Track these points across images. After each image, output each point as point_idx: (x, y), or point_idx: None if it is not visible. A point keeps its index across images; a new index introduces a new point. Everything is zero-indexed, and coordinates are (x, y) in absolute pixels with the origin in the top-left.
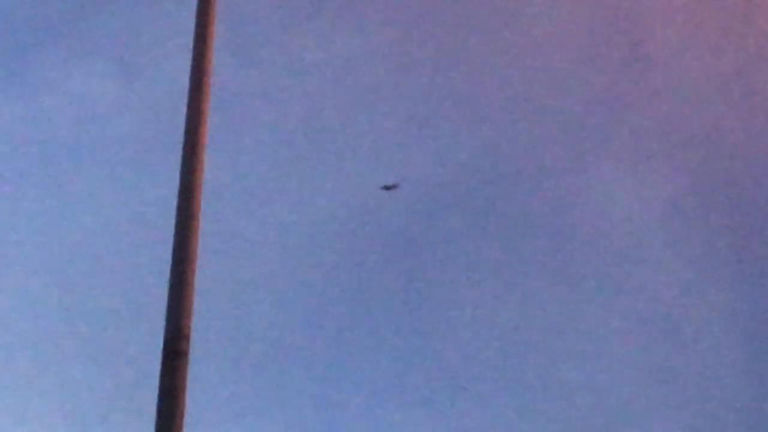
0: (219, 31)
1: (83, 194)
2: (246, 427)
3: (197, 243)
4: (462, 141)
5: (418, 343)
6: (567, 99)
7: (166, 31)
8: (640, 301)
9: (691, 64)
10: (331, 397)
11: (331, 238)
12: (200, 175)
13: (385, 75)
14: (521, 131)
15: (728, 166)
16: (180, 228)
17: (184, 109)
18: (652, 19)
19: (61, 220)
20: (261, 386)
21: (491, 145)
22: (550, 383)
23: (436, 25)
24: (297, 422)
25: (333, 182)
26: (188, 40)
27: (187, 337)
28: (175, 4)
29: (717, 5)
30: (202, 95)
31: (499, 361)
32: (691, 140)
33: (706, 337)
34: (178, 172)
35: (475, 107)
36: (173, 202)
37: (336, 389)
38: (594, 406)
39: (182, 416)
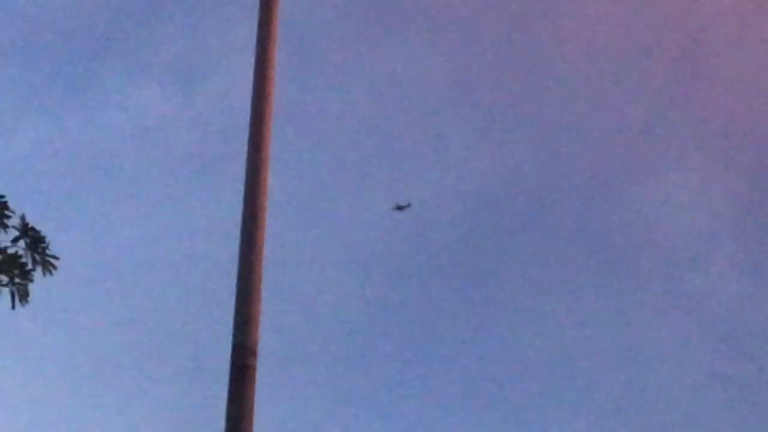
0: (282, 45)
1: (146, 207)
2: None
3: (262, 257)
4: (522, 148)
5: (481, 349)
6: (625, 102)
7: (225, 46)
8: (701, 306)
9: (748, 60)
10: (397, 406)
11: (394, 245)
12: (264, 187)
13: (449, 86)
14: (580, 137)
15: None
16: (245, 242)
17: (244, 121)
18: (708, 16)
19: (124, 233)
20: (328, 397)
21: (552, 151)
22: (611, 387)
23: (498, 38)
24: (370, 429)
25: (396, 190)
26: (248, 53)
27: (254, 352)
28: (234, 19)
29: None
30: (265, 106)
31: (562, 365)
32: (751, 140)
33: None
34: (239, 184)
35: (536, 114)
36: (237, 214)
37: (402, 398)
38: (654, 409)
39: (251, 429)
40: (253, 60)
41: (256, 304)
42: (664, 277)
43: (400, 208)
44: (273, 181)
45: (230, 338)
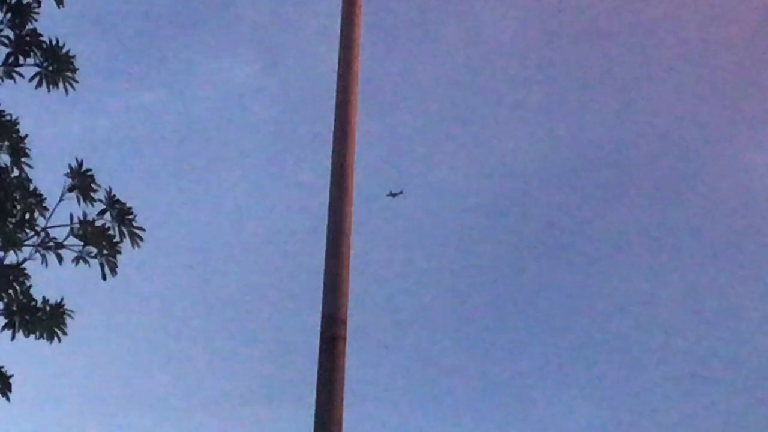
0: (366, 16)
1: (231, 177)
2: (403, 408)
3: (351, 228)
4: (604, 117)
5: (569, 320)
6: (707, 66)
7: (309, 16)
8: None
9: None
10: (485, 378)
11: (480, 219)
12: (351, 159)
13: (527, 50)
14: (665, 104)
15: None
16: (334, 214)
17: (328, 93)
18: None
19: (210, 204)
20: (416, 368)
21: (634, 120)
22: (698, 358)
23: (573, 12)
24: (451, 402)
25: (481, 166)
26: (331, 24)
27: (343, 322)
28: None
29: None
30: (351, 78)
31: (647, 334)
32: None
33: None
34: (323, 156)
35: (616, 81)
36: (322, 186)
37: (490, 370)
38: (742, 381)
39: (341, 400)
40: (336, 29)
41: (345, 275)
42: (753, 242)
43: (393, 195)
44: (359, 150)
45: (319, 309)
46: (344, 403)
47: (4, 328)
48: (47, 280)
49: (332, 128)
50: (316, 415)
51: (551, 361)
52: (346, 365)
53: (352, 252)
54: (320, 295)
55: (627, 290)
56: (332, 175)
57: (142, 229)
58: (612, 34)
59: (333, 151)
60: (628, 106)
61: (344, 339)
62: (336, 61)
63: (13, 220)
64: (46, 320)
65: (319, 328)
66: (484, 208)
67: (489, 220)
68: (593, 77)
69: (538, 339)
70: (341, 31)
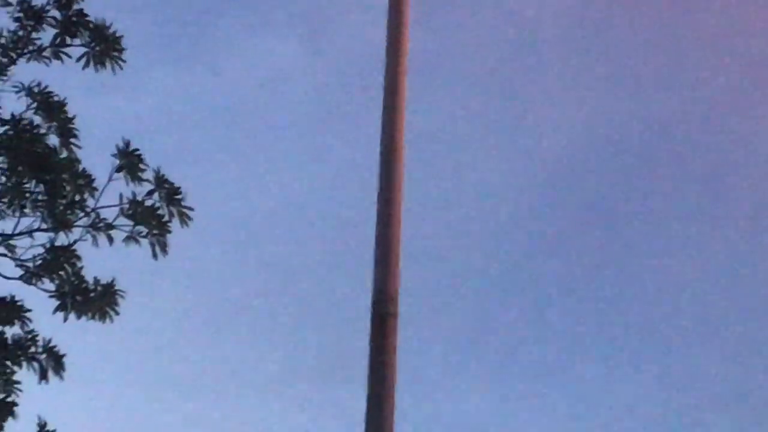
0: None
1: (277, 157)
2: (456, 385)
3: (401, 204)
4: (655, 93)
5: (621, 294)
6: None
7: None
8: None
9: None
10: (537, 355)
11: (531, 194)
12: (401, 136)
13: (576, 27)
14: (718, 78)
15: None
16: (383, 190)
17: (376, 71)
18: None
19: (257, 183)
20: (469, 344)
21: (687, 94)
22: (753, 333)
23: None
24: (503, 380)
25: (530, 140)
26: (378, 0)
27: (394, 299)
28: None
29: None
30: (399, 56)
31: (702, 309)
32: None
33: None
34: (373, 133)
35: (670, 57)
36: (371, 163)
37: (542, 347)
38: None
39: (393, 378)
40: (383, 6)
41: (396, 252)
42: None
43: None
44: (408, 129)
45: (371, 286)
46: (396, 381)
47: (56, 309)
48: (98, 260)
49: (381, 104)
50: (369, 394)
51: (604, 341)
52: (398, 342)
53: (403, 228)
54: (371, 272)
55: (689, 272)
56: (382, 153)
57: (191, 209)
58: (666, 6)
59: (382, 129)
60: (684, 83)
61: (395, 316)
62: (382, 38)
63: (64, 202)
64: (97, 301)
65: (370, 305)
66: (538, 183)
67: (543, 195)
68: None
69: (588, 318)
70: (389, 9)
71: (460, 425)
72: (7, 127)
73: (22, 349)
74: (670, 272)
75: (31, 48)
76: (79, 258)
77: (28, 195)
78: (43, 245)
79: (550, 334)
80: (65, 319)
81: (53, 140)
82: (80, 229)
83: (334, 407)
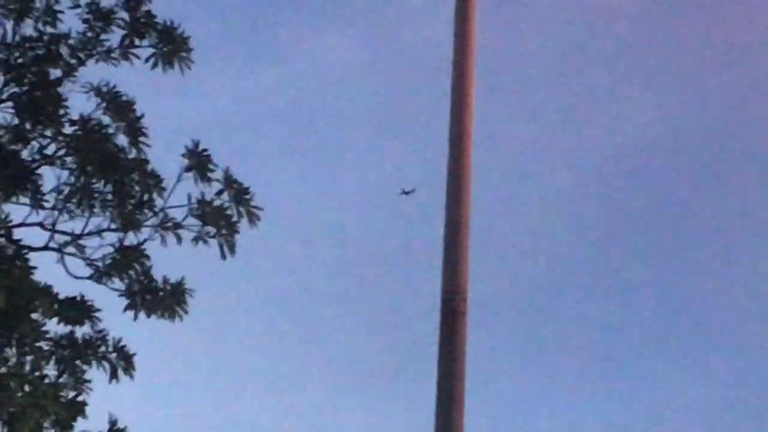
0: None
1: (343, 156)
2: (525, 382)
3: (469, 202)
4: (721, 89)
5: (692, 296)
6: None
7: None
8: None
9: None
10: (608, 351)
11: (596, 192)
12: (468, 135)
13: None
14: None
15: None
16: (452, 187)
17: (438, 68)
18: None
19: (323, 182)
20: (538, 342)
21: (745, 91)
22: None
23: None
24: (574, 377)
25: (598, 132)
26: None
27: (464, 298)
28: None
29: None
30: (466, 56)
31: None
32: None
33: None
34: (440, 131)
35: (735, 55)
36: (438, 161)
37: (610, 344)
38: None
39: (463, 376)
40: (449, 3)
41: (465, 251)
42: None
43: (406, 192)
44: (475, 127)
45: (440, 284)
46: (466, 379)
47: (126, 308)
48: (166, 260)
49: (446, 103)
50: (438, 392)
51: (671, 337)
52: (468, 340)
53: (472, 226)
54: (440, 270)
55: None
56: (450, 150)
57: (260, 209)
58: None
59: (451, 127)
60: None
61: (465, 314)
62: (446, 36)
63: (132, 202)
64: (166, 299)
65: (439, 303)
66: (606, 178)
67: (613, 190)
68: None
69: (658, 313)
70: (456, 9)
71: (529, 422)
72: (76, 127)
73: (92, 349)
74: (744, 269)
75: (99, 49)
76: (147, 257)
77: (97, 195)
78: (112, 245)
79: (620, 331)
80: (135, 318)
81: (122, 140)
82: (149, 228)
83: (404, 405)
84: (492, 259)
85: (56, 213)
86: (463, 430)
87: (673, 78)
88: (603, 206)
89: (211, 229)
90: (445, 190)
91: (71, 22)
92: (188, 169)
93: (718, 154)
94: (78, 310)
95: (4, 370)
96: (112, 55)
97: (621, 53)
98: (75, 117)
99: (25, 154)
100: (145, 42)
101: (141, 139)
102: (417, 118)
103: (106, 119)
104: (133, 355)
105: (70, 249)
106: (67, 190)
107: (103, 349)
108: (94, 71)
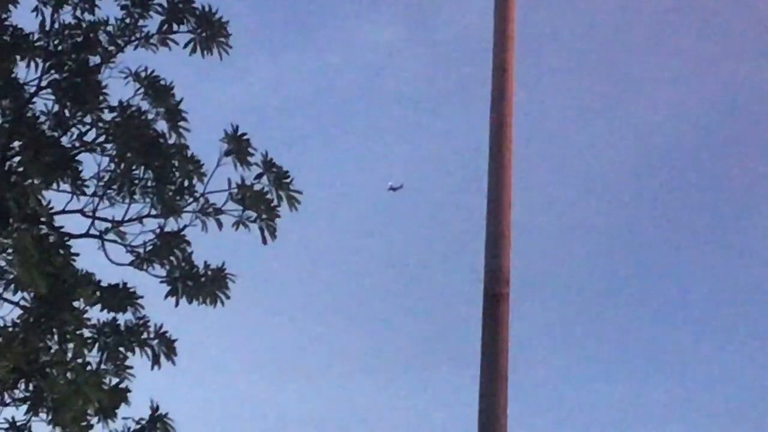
0: None
1: (382, 141)
2: (567, 365)
3: (511, 185)
4: (761, 70)
5: (732, 278)
6: None
7: None
8: None
9: None
10: (644, 328)
11: (638, 176)
12: (510, 119)
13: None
14: None
15: None
16: (493, 171)
17: (478, 54)
18: None
19: (363, 166)
20: (581, 325)
21: None
22: None
23: None
24: (616, 359)
25: (635, 113)
26: None
27: (506, 280)
28: None
29: None
30: (506, 40)
31: None
32: None
33: None
34: (480, 114)
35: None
36: (481, 145)
37: (651, 327)
38: None
39: (506, 359)
40: None
41: (507, 233)
42: None
43: (393, 189)
44: (516, 110)
45: (482, 265)
46: (509, 362)
47: (167, 294)
48: (207, 245)
49: (486, 87)
50: (482, 375)
51: (711, 318)
52: (510, 323)
53: (514, 208)
54: (483, 252)
55: None
56: (491, 134)
57: (300, 192)
58: None
59: (491, 111)
60: None
61: (507, 296)
62: (486, 22)
63: (173, 187)
64: (208, 285)
65: (482, 286)
66: (646, 161)
67: (654, 172)
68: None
69: (697, 295)
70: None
71: (573, 405)
72: (115, 113)
73: (134, 335)
74: None
75: (138, 35)
76: (188, 243)
77: (137, 181)
78: (152, 231)
79: (660, 313)
80: (176, 304)
81: (161, 126)
82: (189, 214)
83: (448, 388)
84: (535, 242)
85: (97, 199)
86: (506, 412)
87: (708, 62)
88: (643, 188)
89: (252, 214)
90: (487, 173)
91: (109, 9)
92: (227, 153)
93: (760, 131)
94: (120, 297)
95: (46, 357)
96: (151, 41)
97: (658, 38)
98: (114, 103)
99: (65, 140)
100: (184, 28)
101: (180, 124)
102: (455, 101)
103: (145, 105)
104: (175, 341)
105: (111, 235)
106: (107, 176)
107: (145, 335)
108: (132, 57)
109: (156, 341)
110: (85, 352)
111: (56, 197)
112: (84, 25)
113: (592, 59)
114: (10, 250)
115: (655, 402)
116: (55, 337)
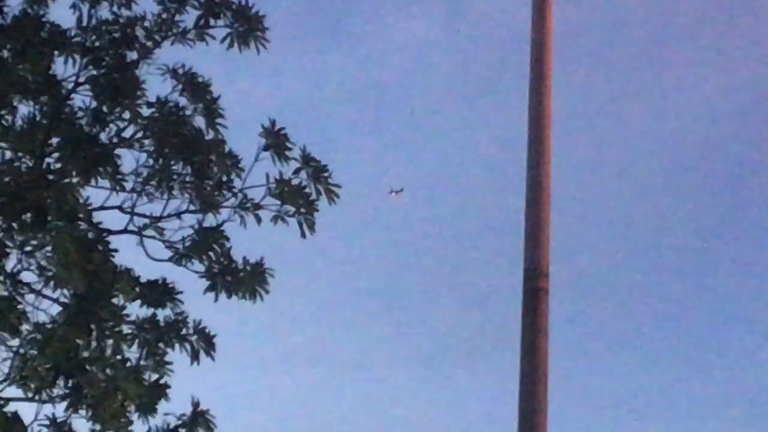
0: None
1: (419, 135)
2: (607, 360)
3: (550, 178)
4: None
5: None
6: None
7: None
8: None
9: None
10: (687, 329)
11: (675, 161)
12: (548, 111)
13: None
14: None
15: None
16: (532, 164)
17: (515, 44)
18: None
19: (404, 161)
20: (620, 320)
21: None
22: None
23: None
24: (655, 354)
25: (678, 110)
26: None
27: (546, 274)
28: None
29: None
30: (545, 30)
31: None
32: None
33: None
34: (518, 106)
35: None
36: (518, 136)
37: (693, 321)
38: None
39: (546, 354)
40: None
41: (546, 227)
42: None
43: (395, 192)
44: (554, 101)
45: (521, 261)
46: (549, 356)
47: (206, 290)
48: (246, 240)
49: (525, 80)
50: (522, 369)
51: (755, 313)
52: (550, 318)
53: (552, 203)
54: (521, 247)
55: None
56: (529, 128)
57: (338, 186)
58: None
59: (530, 103)
60: None
61: (547, 291)
62: (523, 12)
63: (211, 183)
64: (247, 280)
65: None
66: (689, 151)
67: (695, 162)
68: None
69: (742, 290)
70: None
71: (613, 399)
72: (153, 109)
73: (173, 331)
74: None
75: (175, 30)
76: (227, 238)
77: (175, 177)
78: (191, 226)
79: (701, 307)
80: (216, 299)
81: (199, 122)
82: (228, 209)
83: (488, 382)
84: (574, 236)
85: (135, 196)
86: (547, 407)
87: (748, 46)
88: (682, 176)
89: (290, 208)
90: (526, 166)
91: (146, 4)
92: (266, 148)
93: None
94: (160, 293)
95: (85, 354)
96: (188, 36)
97: (697, 21)
98: (152, 99)
99: (103, 137)
100: (220, 22)
101: (218, 120)
102: (497, 94)
103: (182, 101)
104: (214, 336)
105: (150, 231)
106: (145, 172)
107: (184, 331)
108: (169, 53)
109: (195, 337)
110: (125, 348)
111: (95, 194)
112: (121, 20)
113: (629, 44)
114: (48, 248)
115: (700, 392)
116: (94, 333)
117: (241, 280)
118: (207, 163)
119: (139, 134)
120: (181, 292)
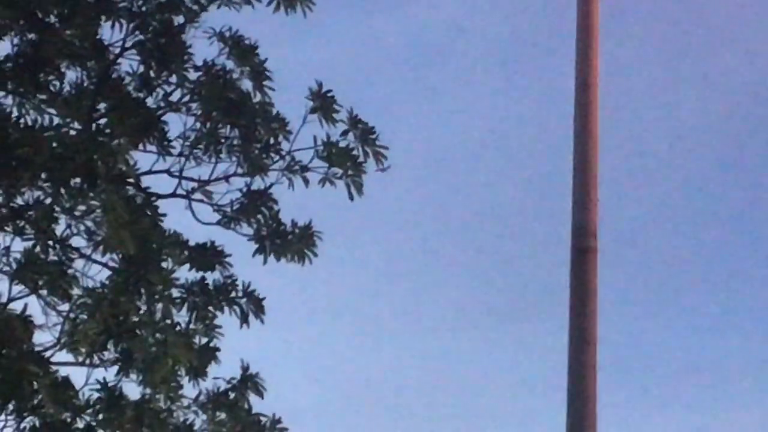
0: None
1: (465, 98)
2: (656, 321)
3: (598, 137)
4: None
5: None
6: None
7: None
8: None
9: None
10: (734, 292)
11: (725, 127)
12: (595, 72)
13: None
14: None
15: None
16: (579, 128)
17: (563, 6)
18: None
19: (450, 122)
20: (669, 280)
21: None
22: None
23: None
24: (701, 316)
25: (729, 74)
26: None
27: (594, 234)
28: None
29: None
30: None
31: None
32: None
33: None
34: (560, 73)
35: None
36: (567, 98)
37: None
38: None
39: (595, 314)
40: None
41: (594, 186)
42: None
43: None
44: (601, 65)
45: (570, 219)
46: (598, 318)
47: (255, 253)
48: (294, 203)
49: (573, 41)
50: (571, 330)
51: None
52: (599, 278)
53: (600, 162)
54: (570, 207)
55: None
56: (576, 90)
57: (386, 148)
58: None
59: (576, 67)
60: None
61: (596, 251)
62: None
63: (258, 146)
64: (296, 243)
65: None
66: (737, 113)
67: (742, 126)
68: None
69: None
70: None
71: (662, 360)
72: (200, 73)
73: (223, 294)
74: None
75: None
76: (275, 201)
77: (223, 140)
78: (239, 190)
79: (748, 272)
80: (264, 262)
81: (246, 85)
82: (276, 172)
83: (536, 344)
84: (623, 196)
85: (183, 159)
86: (596, 370)
87: None
88: (733, 141)
89: (338, 171)
90: (573, 128)
91: None
92: (313, 111)
93: None
94: (208, 256)
95: (135, 318)
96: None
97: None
98: (199, 63)
99: (150, 101)
100: None
101: (265, 83)
102: (541, 59)
103: (229, 64)
104: (263, 299)
105: (198, 195)
106: (193, 136)
107: (233, 294)
108: (216, 17)
109: (244, 300)
110: (174, 312)
111: (142, 158)
112: None
113: (678, 9)
114: (98, 211)
115: (752, 354)
116: (144, 297)
117: (290, 243)
118: (254, 126)
119: (186, 98)
120: (229, 255)
